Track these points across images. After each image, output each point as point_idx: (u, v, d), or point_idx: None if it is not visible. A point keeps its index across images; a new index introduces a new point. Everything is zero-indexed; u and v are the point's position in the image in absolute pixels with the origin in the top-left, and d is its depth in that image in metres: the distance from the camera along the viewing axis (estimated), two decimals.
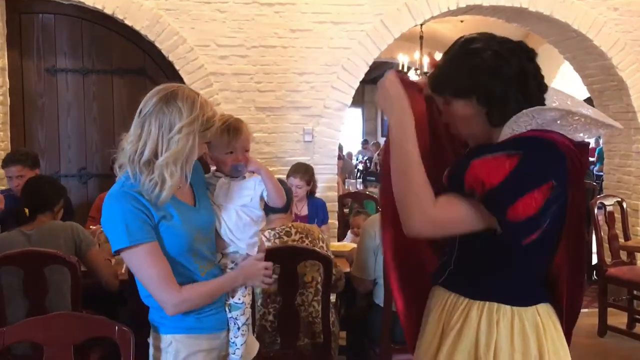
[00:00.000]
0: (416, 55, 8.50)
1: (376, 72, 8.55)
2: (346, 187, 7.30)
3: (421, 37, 8.14)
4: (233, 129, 1.87)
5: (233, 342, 1.87)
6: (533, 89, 1.46)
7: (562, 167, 1.40)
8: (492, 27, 5.97)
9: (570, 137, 1.45)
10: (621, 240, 4.49)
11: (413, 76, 7.83)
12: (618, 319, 4.34)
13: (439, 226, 1.45)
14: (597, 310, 4.34)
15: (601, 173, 8.40)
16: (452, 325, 1.52)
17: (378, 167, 10.10)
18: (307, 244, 2.78)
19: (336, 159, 4.96)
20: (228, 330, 1.87)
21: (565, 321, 1.57)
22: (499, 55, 1.44)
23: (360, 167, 13.04)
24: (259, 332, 2.67)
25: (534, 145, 1.40)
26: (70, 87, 4.92)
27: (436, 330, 1.57)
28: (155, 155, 1.63)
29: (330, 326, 2.75)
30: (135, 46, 4.92)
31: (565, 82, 7.91)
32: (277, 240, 2.76)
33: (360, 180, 9.04)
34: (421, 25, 5.99)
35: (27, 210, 2.87)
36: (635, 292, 4.39)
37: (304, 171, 4.11)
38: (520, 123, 1.43)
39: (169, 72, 4.70)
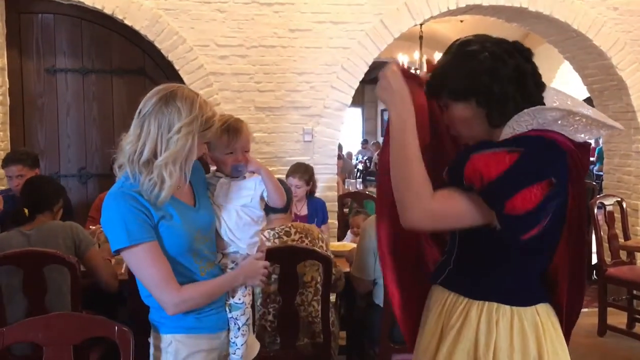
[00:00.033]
0: (416, 55, 8.49)
1: (376, 72, 8.37)
2: (346, 187, 7.28)
3: (421, 37, 8.14)
4: (233, 129, 1.87)
5: (233, 342, 1.87)
6: (531, 88, 1.47)
7: (562, 165, 1.40)
8: (492, 27, 5.98)
9: (571, 138, 1.45)
10: (621, 240, 4.49)
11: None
12: (618, 318, 4.34)
13: (437, 219, 1.44)
14: (596, 310, 4.34)
15: (601, 173, 8.39)
16: (451, 325, 1.52)
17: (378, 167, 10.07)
18: (307, 244, 2.78)
19: (336, 158, 4.95)
20: (228, 330, 1.87)
21: (565, 321, 1.57)
22: (495, 56, 1.44)
23: (360, 167, 13.04)
24: (258, 331, 2.67)
25: (535, 143, 1.40)
26: (70, 87, 4.91)
27: (435, 329, 1.57)
28: (154, 155, 1.64)
29: (330, 326, 2.75)
30: (135, 46, 4.92)
31: (565, 81, 7.92)
32: (276, 240, 2.76)
33: (360, 180, 9.05)
34: (421, 25, 5.99)
35: (26, 210, 2.87)
36: (635, 291, 4.39)
37: (304, 171, 4.11)
38: (521, 123, 1.43)
39: (169, 72, 4.69)
